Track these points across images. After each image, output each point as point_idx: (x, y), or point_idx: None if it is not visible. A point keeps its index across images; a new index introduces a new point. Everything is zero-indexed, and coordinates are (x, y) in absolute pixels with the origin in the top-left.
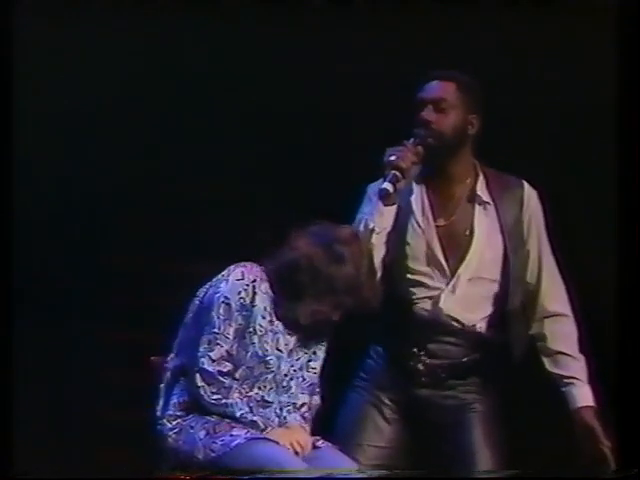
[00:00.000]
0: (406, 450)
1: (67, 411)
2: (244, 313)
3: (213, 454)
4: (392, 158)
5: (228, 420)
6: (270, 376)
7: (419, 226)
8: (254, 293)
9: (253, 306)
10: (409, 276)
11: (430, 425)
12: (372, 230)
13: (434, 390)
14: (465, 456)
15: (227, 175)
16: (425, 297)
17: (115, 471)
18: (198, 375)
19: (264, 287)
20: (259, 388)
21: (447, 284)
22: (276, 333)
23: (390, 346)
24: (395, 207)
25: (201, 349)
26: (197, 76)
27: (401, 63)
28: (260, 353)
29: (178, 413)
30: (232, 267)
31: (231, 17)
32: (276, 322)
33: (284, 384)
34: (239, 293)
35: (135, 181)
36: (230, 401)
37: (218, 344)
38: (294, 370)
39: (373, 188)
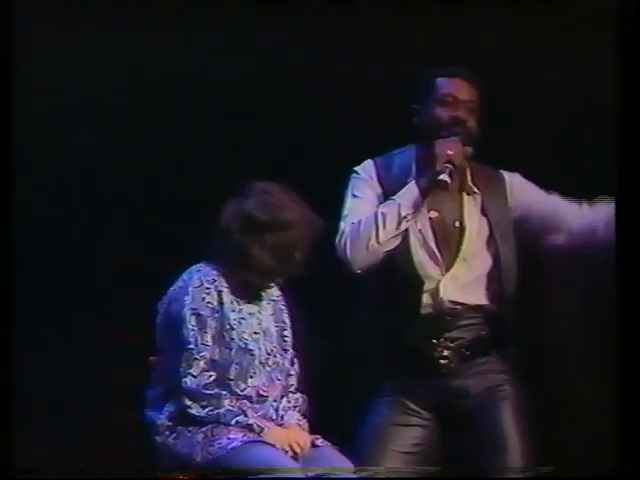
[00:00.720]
0: (433, 453)
1: (67, 411)
2: (216, 315)
3: (210, 457)
4: (450, 152)
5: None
6: (256, 361)
7: (415, 219)
8: (219, 292)
9: (222, 304)
10: (411, 267)
11: (459, 418)
12: (404, 217)
13: (464, 379)
14: (497, 445)
15: (227, 175)
16: (426, 290)
17: (115, 471)
18: (184, 397)
19: (224, 282)
20: (251, 377)
21: (443, 274)
22: (248, 319)
23: (408, 347)
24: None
25: (181, 369)
26: (197, 76)
27: (401, 63)
28: (242, 345)
29: (174, 423)
30: (185, 277)
31: (231, 17)
32: (244, 308)
33: (270, 362)
34: (203, 299)
35: (135, 181)
36: (222, 411)
37: (196, 359)
38: (274, 346)
39: (367, 171)
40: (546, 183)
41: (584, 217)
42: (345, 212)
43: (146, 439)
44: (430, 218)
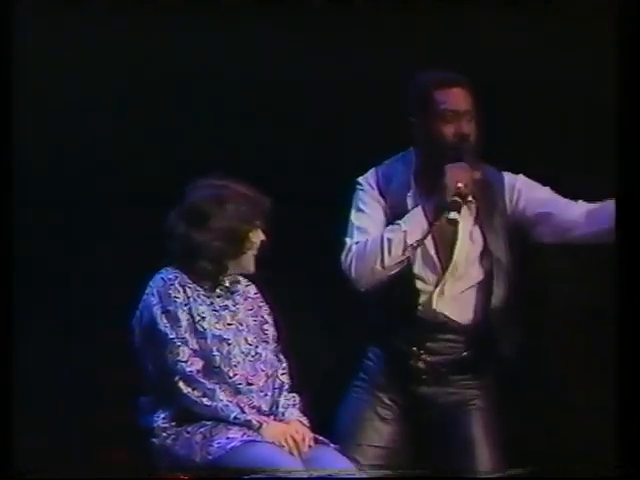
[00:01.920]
0: (405, 450)
1: (67, 411)
2: (184, 308)
3: (210, 457)
4: (460, 184)
5: (224, 423)
6: (235, 350)
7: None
8: (182, 286)
9: (188, 297)
10: (406, 278)
11: (430, 423)
12: (410, 245)
13: (436, 387)
14: (465, 452)
15: (227, 175)
16: (420, 300)
17: (115, 471)
18: (181, 383)
19: (186, 278)
20: (235, 366)
21: (437, 285)
22: (220, 311)
23: (389, 346)
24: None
25: (169, 361)
26: (197, 76)
27: (401, 63)
28: (217, 333)
29: (172, 424)
30: (150, 282)
31: (231, 17)
32: (215, 301)
33: (253, 353)
34: (169, 295)
35: (136, 180)
36: (221, 405)
37: (179, 346)
38: (255, 337)
39: (368, 182)
40: (546, 183)
41: (582, 223)
42: (350, 226)
43: (146, 440)
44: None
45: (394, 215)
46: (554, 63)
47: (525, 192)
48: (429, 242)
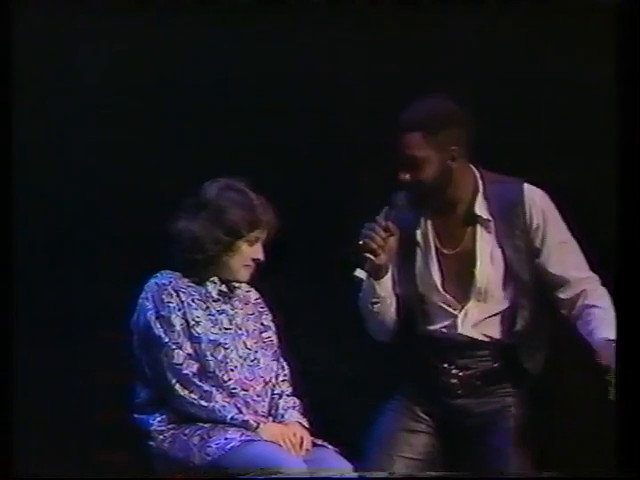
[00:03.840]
0: (438, 460)
1: (67, 412)
2: (178, 313)
3: (209, 458)
4: (361, 242)
5: (221, 425)
6: (233, 354)
7: (424, 258)
8: (176, 291)
9: (182, 302)
10: (424, 307)
11: (465, 433)
12: (372, 303)
13: (473, 398)
14: (499, 459)
15: (227, 175)
16: (442, 326)
17: (115, 471)
18: (177, 385)
19: (182, 282)
20: (232, 370)
21: (460, 311)
22: (216, 315)
23: (418, 364)
24: (389, 276)
25: (165, 364)
26: (197, 76)
27: (401, 63)
28: (212, 337)
29: (168, 427)
30: (146, 287)
31: (231, 17)
32: (211, 306)
33: (251, 357)
34: (163, 300)
35: (136, 181)
36: (218, 406)
37: (174, 349)
38: (255, 342)
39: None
40: (545, 184)
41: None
42: None
43: (145, 441)
44: (445, 255)
45: (407, 253)
46: (554, 63)
47: (547, 228)
48: (444, 274)
